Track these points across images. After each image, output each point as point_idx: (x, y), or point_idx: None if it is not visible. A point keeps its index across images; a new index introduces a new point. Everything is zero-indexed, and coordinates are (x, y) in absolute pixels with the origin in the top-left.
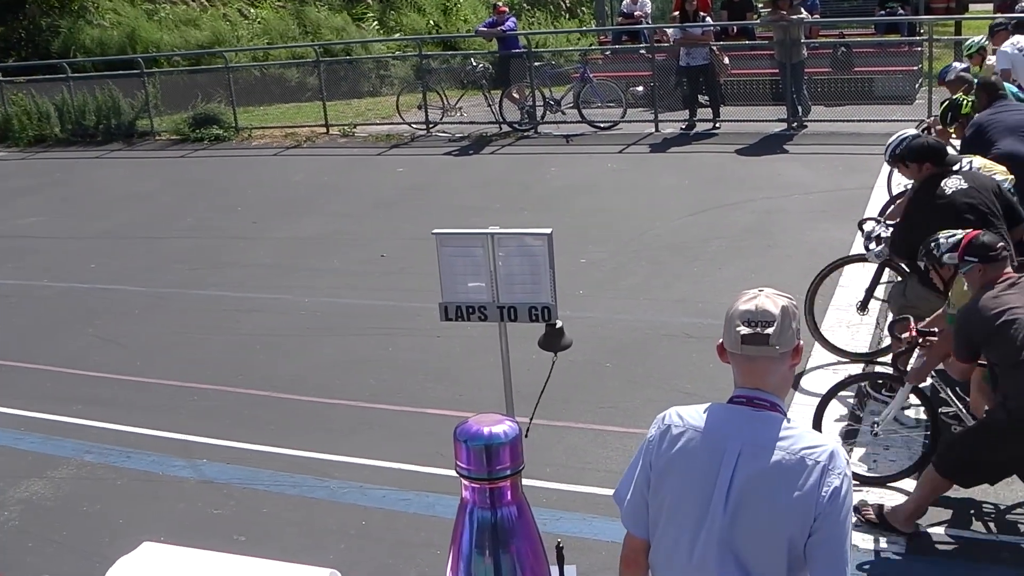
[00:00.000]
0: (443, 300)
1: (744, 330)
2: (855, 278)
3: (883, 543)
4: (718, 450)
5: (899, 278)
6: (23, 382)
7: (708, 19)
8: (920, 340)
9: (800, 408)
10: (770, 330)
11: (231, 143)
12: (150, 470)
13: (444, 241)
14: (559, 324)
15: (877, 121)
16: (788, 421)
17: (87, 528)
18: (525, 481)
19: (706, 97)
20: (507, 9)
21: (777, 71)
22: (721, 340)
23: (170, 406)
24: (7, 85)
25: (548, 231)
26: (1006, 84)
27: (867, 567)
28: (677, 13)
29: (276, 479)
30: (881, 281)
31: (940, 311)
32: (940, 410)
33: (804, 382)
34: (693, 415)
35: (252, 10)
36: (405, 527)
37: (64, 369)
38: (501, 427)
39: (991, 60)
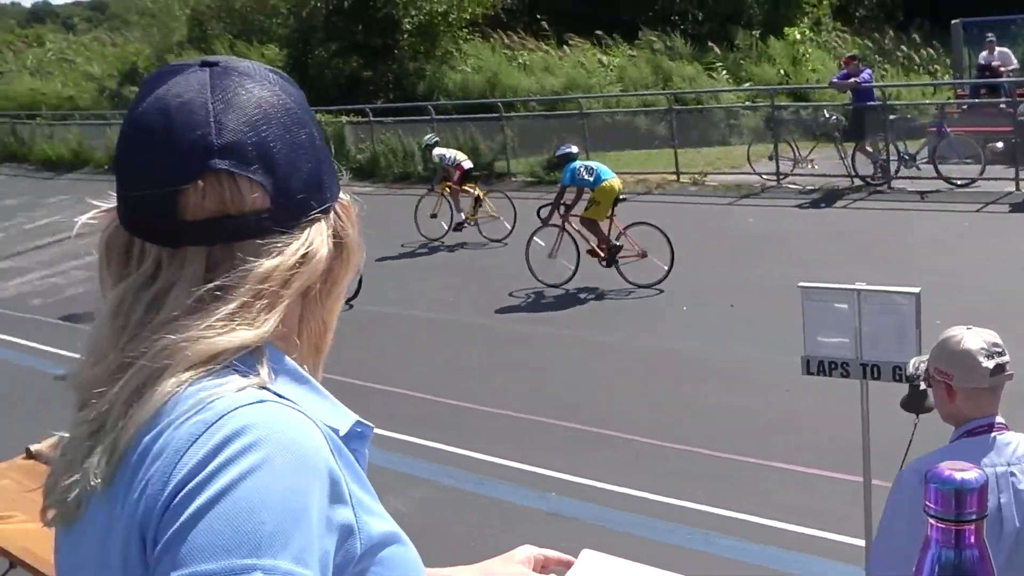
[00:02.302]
0: (805, 353)
1: (990, 363)
2: None
3: None
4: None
5: None
6: None
7: None
8: None
9: None
10: (1007, 357)
11: None
12: None
13: (809, 295)
14: (923, 385)
15: None
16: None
17: None
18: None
19: None
20: (858, 60)
21: None
22: (948, 383)
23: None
24: (377, 125)
25: (916, 290)
26: None
27: None
28: None
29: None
30: None
31: None
32: None
33: None
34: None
35: (605, 58)
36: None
37: None
38: (971, 474)
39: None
